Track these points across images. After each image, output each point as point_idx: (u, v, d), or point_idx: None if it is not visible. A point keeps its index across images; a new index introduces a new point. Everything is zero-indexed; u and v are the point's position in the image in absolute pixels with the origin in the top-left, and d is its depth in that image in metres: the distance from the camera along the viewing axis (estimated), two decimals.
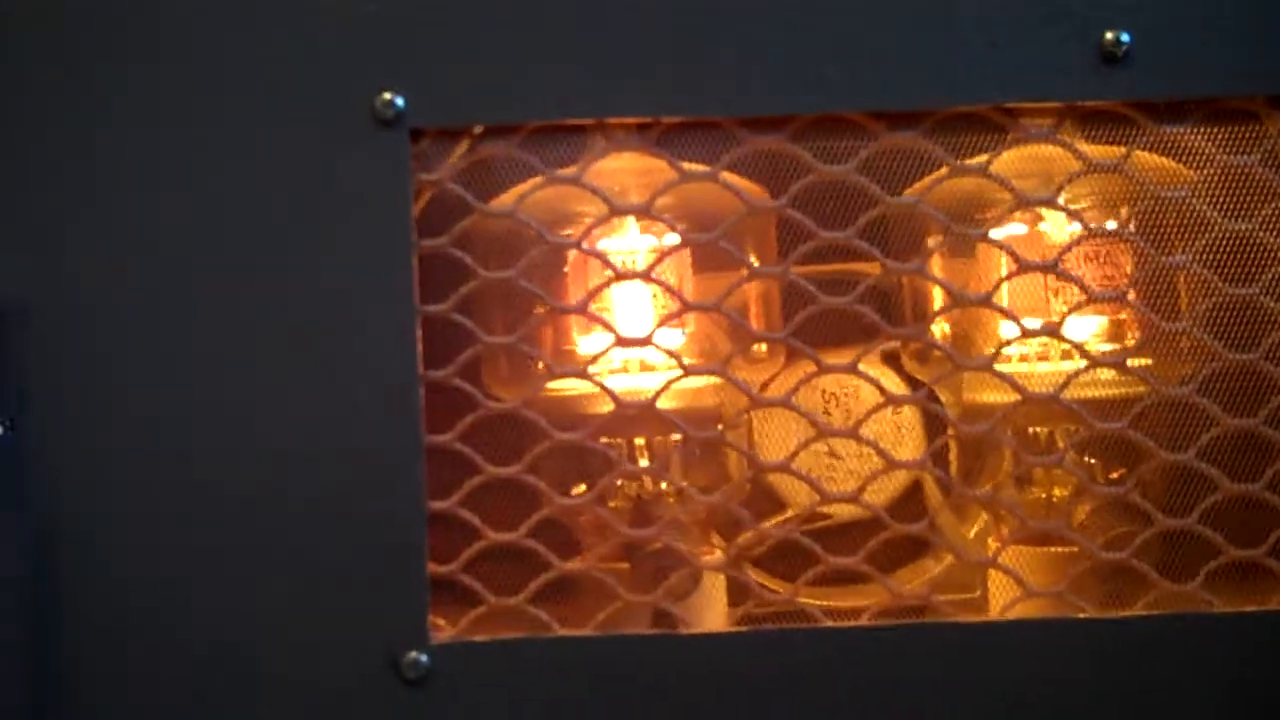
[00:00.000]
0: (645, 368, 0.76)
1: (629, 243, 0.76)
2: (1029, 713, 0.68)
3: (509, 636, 0.69)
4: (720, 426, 0.75)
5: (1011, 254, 0.70)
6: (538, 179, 0.70)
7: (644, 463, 0.78)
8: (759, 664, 0.69)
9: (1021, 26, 0.67)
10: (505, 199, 0.72)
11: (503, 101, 0.69)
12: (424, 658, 0.68)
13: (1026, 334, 0.71)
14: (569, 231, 0.73)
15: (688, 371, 0.71)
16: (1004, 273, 0.74)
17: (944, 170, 0.70)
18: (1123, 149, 0.69)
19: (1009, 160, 0.71)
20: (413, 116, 0.68)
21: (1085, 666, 0.68)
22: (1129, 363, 0.71)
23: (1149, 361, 0.73)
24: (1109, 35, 0.67)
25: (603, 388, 0.71)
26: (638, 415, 0.73)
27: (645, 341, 0.71)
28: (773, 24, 0.68)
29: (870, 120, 0.69)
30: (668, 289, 0.73)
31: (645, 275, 0.72)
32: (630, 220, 0.76)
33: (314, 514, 0.68)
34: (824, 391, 0.80)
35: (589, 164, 0.71)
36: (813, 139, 0.70)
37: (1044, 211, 0.74)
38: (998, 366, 0.72)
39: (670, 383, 0.71)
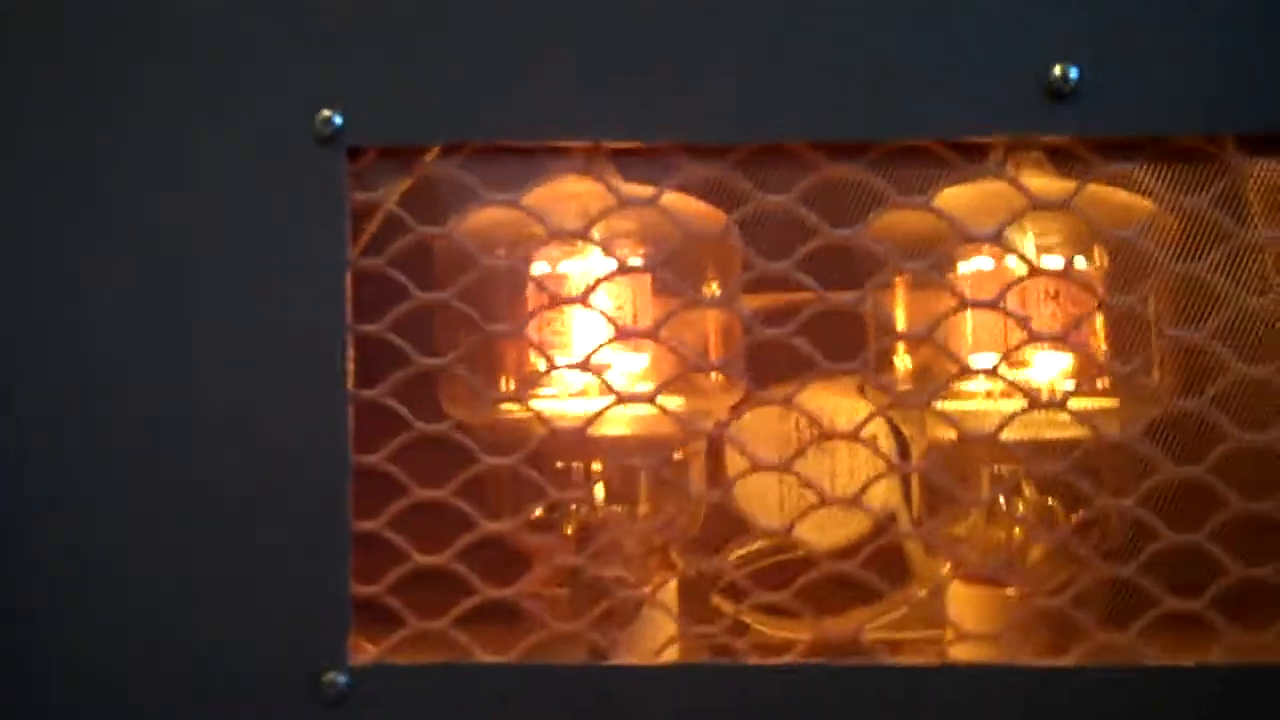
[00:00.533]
0: (606, 392, 0.75)
1: (589, 266, 0.75)
2: None
3: (430, 661, 0.68)
4: (678, 454, 0.74)
5: (953, 290, 0.69)
6: (480, 202, 0.70)
7: (600, 488, 0.77)
8: (686, 698, 0.67)
9: (967, 60, 0.66)
10: (467, 219, 0.72)
11: (446, 122, 0.68)
12: (342, 678, 0.68)
13: (966, 372, 0.69)
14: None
15: (621, 399, 0.70)
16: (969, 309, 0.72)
17: (892, 203, 0.68)
18: (1086, 184, 0.67)
19: (973, 195, 0.70)
20: (351, 135, 0.68)
21: (1019, 715, 0.66)
22: (1082, 404, 0.69)
23: (1112, 403, 0.72)
24: (1057, 70, 0.65)
25: (537, 413, 0.70)
26: (594, 440, 0.73)
27: (584, 365, 0.71)
28: (721, 51, 0.67)
29: (810, 151, 0.67)
30: (603, 314, 0.72)
31: (582, 300, 0.71)
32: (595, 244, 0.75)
33: (239, 530, 0.68)
34: (797, 421, 0.78)
35: (535, 187, 0.70)
36: (760, 168, 0.68)
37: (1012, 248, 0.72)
38: (962, 404, 0.71)
39: (603, 410, 0.70)
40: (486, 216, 0.72)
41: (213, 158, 0.68)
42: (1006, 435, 0.68)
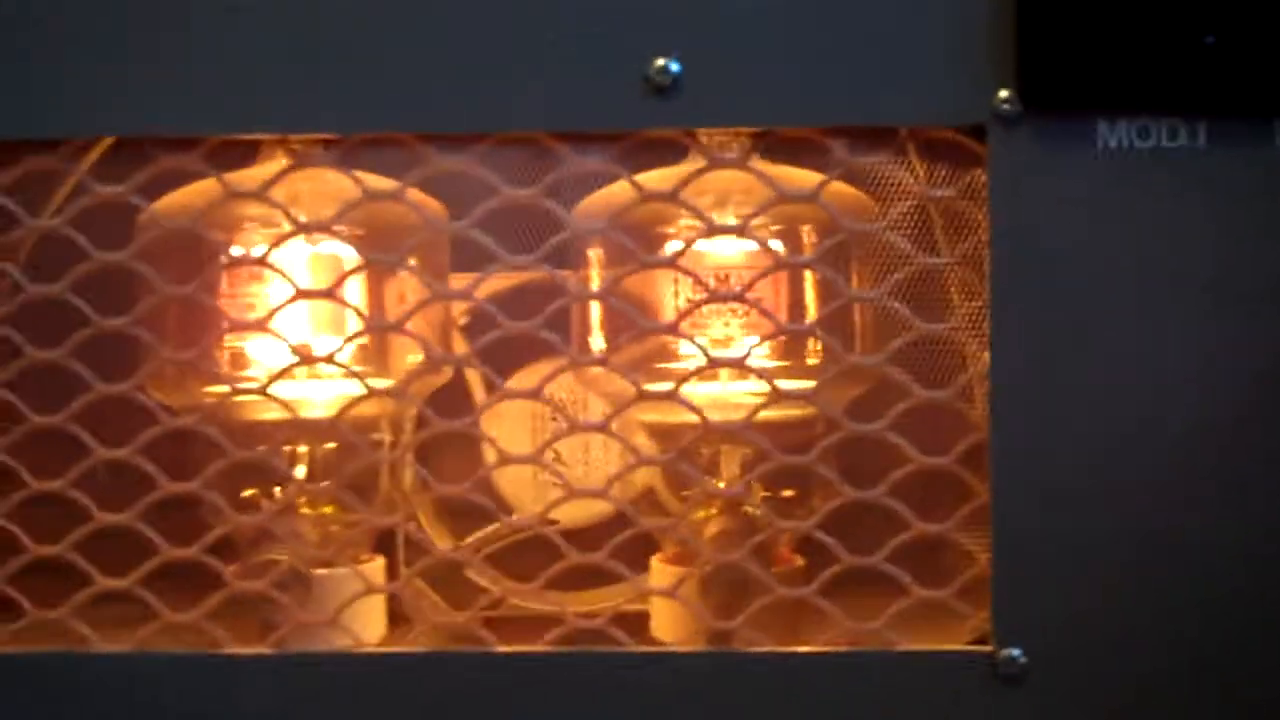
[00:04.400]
0: (314, 376, 0.74)
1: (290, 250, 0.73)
2: None
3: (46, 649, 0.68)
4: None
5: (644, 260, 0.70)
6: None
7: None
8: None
9: (568, 53, 0.66)
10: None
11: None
12: None
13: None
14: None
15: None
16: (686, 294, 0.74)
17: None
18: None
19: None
20: None
21: (752, 701, 0.67)
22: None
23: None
24: (657, 63, 0.65)
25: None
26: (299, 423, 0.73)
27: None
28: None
29: (421, 142, 0.68)
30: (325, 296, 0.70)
31: (261, 261, 0.70)
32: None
33: None
34: (553, 396, 0.76)
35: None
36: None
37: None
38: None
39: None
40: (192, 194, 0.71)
41: None
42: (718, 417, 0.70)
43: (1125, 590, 0.66)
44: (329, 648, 0.70)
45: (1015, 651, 0.66)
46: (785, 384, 0.71)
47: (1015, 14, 0.64)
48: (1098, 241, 0.65)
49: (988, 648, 0.66)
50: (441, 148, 0.68)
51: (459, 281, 0.73)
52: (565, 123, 0.66)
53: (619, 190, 0.69)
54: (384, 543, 0.78)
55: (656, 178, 0.70)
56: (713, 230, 0.69)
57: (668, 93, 0.65)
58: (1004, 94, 0.64)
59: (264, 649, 0.69)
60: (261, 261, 0.70)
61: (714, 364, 0.70)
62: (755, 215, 0.69)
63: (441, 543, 0.79)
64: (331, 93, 0.66)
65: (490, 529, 0.79)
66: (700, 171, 0.68)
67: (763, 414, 0.70)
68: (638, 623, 0.73)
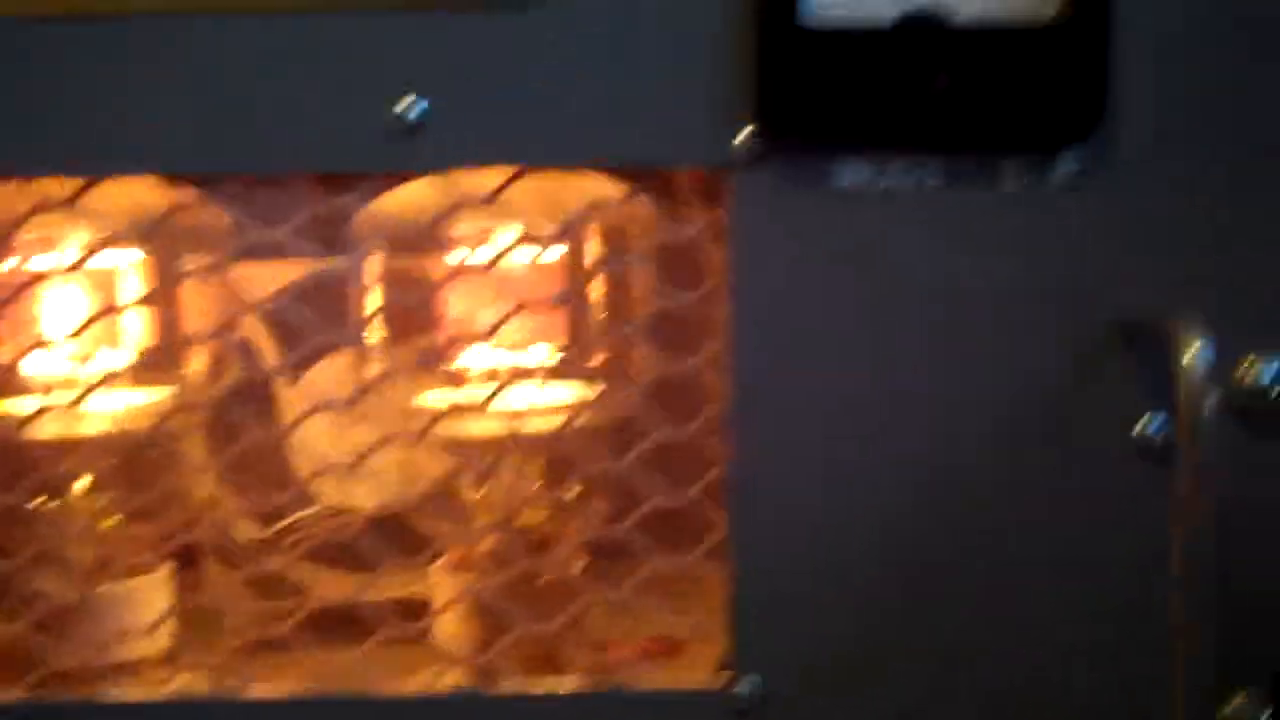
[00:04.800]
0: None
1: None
2: None
3: None
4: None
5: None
6: None
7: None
8: None
9: (315, 96, 0.65)
10: None
11: None
12: None
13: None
14: None
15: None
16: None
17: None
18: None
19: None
20: None
21: None
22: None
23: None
24: (399, 105, 0.65)
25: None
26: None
27: None
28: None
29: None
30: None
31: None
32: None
33: None
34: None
35: None
36: None
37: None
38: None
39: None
40: None
41: None
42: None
43: (864, 620, 0.67)
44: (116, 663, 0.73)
45: (750, 682, 0.67)
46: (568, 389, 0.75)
47: (755, 56, 0.64)
48: (835, 278, 0.66)
49: (719, 684, 0.68)
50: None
51: (247, 271, 0.73)
52: (315, 165, 0.66)
53: (401, 197, 0.70)
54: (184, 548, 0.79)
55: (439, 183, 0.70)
56: (488, 265, 0.72)
57: (415, 134, 0.65)
58: (745, 133, 0.65)
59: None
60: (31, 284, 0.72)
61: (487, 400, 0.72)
62: (515, 245, 0.72)
63: (245, 534, 0.80)
64: (87, 133, 0.66)
65: (291, 519, 0.80)
66: (456, 207, 0.69)
67: (544, 422, 0.73)
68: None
